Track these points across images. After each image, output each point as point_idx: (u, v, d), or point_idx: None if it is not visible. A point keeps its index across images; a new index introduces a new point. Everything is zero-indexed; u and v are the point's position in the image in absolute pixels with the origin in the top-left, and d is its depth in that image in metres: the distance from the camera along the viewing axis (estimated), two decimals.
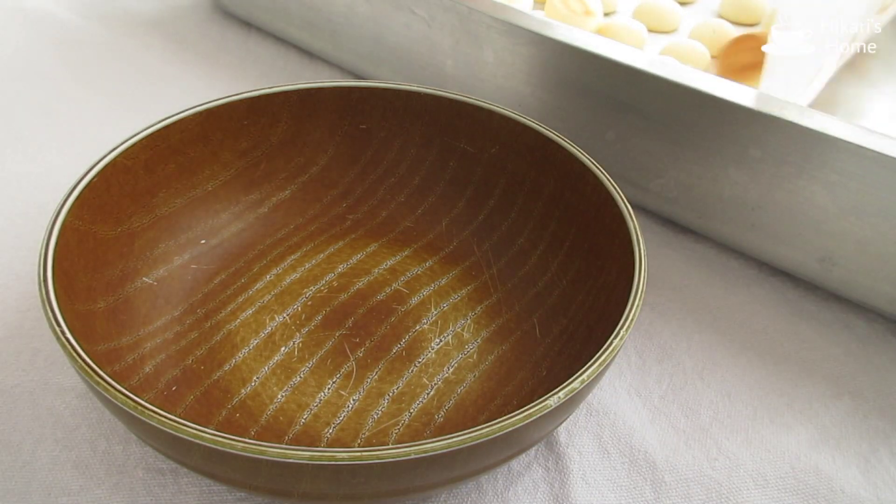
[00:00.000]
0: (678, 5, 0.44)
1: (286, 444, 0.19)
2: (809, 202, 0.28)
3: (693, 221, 0.32)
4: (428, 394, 0.25)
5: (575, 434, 0.25)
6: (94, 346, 0.21)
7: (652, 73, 0.29)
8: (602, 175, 0.26)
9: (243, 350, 0.26)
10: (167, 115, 0.27)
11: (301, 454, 0.17)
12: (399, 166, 0.31)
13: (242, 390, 0.24)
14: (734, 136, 0.28)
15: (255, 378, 0.25)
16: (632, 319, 0.21)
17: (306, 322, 0.27)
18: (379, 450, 0.17)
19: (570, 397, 0.19)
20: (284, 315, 0.27)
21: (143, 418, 0.18)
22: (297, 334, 0.26)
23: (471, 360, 0.26)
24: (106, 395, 0.18)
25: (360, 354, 0.26)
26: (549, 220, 0.28)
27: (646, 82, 0.29)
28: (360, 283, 0.28)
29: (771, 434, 0.25)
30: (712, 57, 0.40)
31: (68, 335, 0.20)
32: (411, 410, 0.24)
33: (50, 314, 0.20)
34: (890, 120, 0.37)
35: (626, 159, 0.32)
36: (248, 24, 0.46)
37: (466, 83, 0.35)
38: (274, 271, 0.28)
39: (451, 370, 0.25)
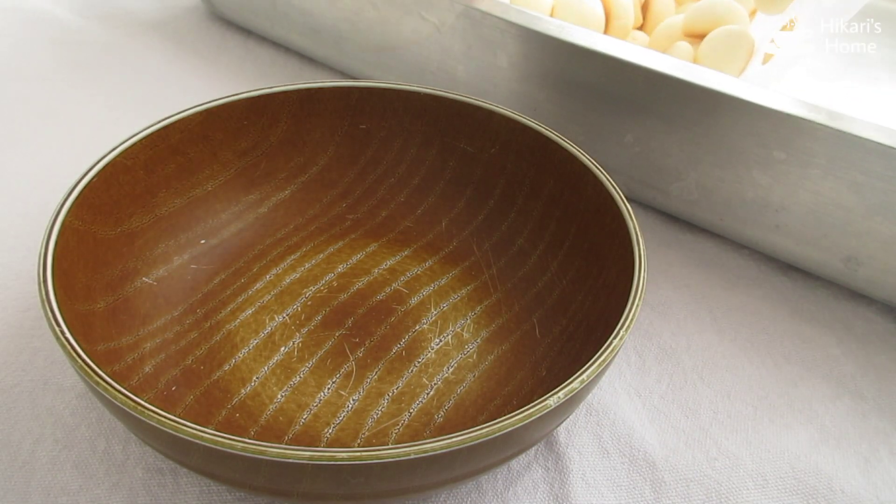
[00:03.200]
0: None
1: (286, 444, 0.19)
2: (835, 203, 0.28)
3: (714, 224, 0.32)
4: (428, 394, 0.25)
5: (575, 434, 0.25)
6: (93, 346, 0.21)
7: (672, 76, 0.29)
8: (602, 175, 0.26)
9: (243, 350, 0.26)
10: (167, 115, 0.27)
11: (301, 454, 0.17)
12: (399, 166, 0.31)
13: (242, 390, 0.24)
14: (758, 138, 0.28)
15: (254, 378, 0.25)
16: (631, 319, 0.21)
17: (306, 322, 0.27)
18: (379, 450, 0.17)
19: (570, 397, 0.19)
20: (284, 315, 0.27)
21: (143, 418, 0.18)
22: (297, 334, 0.26)
23: (470, 360, 0.26)
24: (105, 395, 0.18)
25: (360, 354, 0.26)
26: (549, 220, 0.28)
27: (666, 85, 0.29)
28: (360, 283, 0.28)
29: (771, 434, 0.25)
30: None
31: (68, 335, 0.20)
32: (411, 410, 0.24)
33: (49, 314, 0.20)
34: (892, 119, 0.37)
35: (645, 162, 0.32)
36: (246, 31, 0.46)
37: (479, 88, 0.35)
38: (274, 271, 0.28)
39: (451, 370, 0.25)
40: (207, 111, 0.28)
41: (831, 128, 0.26)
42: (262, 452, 0.17)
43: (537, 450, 0.25)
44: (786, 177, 0.28)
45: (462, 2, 0.33)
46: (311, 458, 0.17)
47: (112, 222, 0.25)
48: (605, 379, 0.27)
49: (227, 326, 0.26)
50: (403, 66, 0.38)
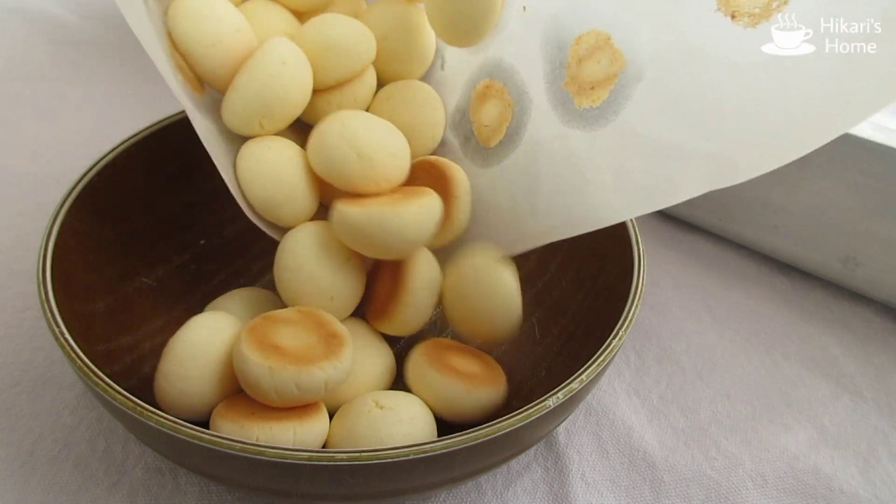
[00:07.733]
0: None
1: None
2: (834, 203, 0.28)
3: (714, 224, 0.32)
4: None
5: (574, 434, 0.25)
6: (93, 347, 0.21)
7: None
8: None
9: None
10: (167, 115, 0.27)
11: (300, 454, 0.17)
12: None
13: None
14: None
15: None
16: (631, 319, 0.21)
17: None
18: (378, 450, 0.17)
19: (569, 398, 0.19)
20: None
21: (142, 419, 0.18)
22: None
23: None
24: (105, 395, 0.18)
25: None
26: None
27: None
28: None
29: (770, 434, 0.25)
30: None
31: (67, 335, 0.20)
32: None
33: (49, 314, 0.20)
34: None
35: None
36: None
37: None
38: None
39: None
40: None
41: None
42: (261, 452, 0.17)
43: (537, 450, 0.25)
44: (784, 177, 0.28)
45: None
46: (309, 459, 0.17)
47: (112, 222, 0.25)
48: (604, 379, 0.27)
49: None
50: None
